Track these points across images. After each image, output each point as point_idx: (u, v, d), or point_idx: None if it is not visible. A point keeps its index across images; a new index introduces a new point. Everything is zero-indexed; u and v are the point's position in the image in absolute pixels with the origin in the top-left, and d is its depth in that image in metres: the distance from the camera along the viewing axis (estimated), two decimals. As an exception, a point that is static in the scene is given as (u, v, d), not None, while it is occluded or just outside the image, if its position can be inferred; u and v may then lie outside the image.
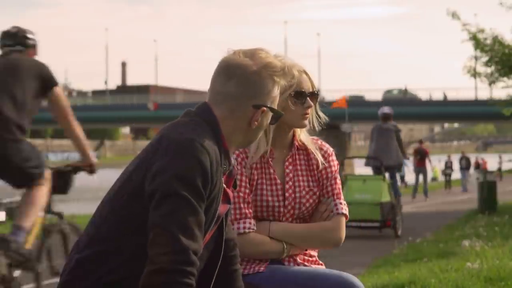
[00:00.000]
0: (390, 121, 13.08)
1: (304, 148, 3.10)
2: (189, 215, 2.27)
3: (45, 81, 5.61)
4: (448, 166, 34.00)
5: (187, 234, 2.25)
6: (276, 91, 2.52)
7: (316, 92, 3.04)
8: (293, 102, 2.99)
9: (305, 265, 3.04)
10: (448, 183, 33.14)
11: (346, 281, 2.84)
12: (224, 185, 2.47)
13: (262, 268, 2.96)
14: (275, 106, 2.53)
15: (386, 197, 12.57)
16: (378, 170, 13.03)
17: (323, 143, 3.13)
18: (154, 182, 2.30)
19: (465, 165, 33.69)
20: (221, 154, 2.41)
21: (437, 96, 68.56)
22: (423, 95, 68.62)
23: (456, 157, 37.34)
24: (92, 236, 2.42)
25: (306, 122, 3.03)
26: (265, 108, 2.49)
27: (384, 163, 12.83)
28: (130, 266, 2.33)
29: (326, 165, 3.09)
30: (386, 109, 13.43)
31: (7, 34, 5.75)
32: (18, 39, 5.74)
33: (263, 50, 2.51)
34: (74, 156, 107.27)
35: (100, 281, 2.35)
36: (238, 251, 2.70)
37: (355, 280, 2.86)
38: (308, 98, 3.01)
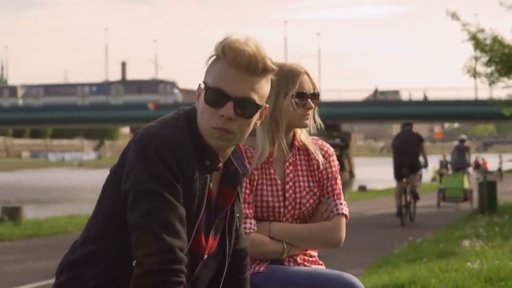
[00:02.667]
0: (465, 143, 21.37)
1: (304, 149, 3.10)
2: (167, 211, 2.25)
3: None
4: (443, 165, 32.87)
5: (170, 232, 2.23)
6: (214, 65, 2.37)
7: (317, 93, 3.04)
8: (295, 103, 3.00)
9: (305, 265, 3.05)
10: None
11: (346, 281, 2.84)
12: (211, 184, 2.42)
13: (262, 268, 2.96)
14: (216, 83, 2.33)
15: (466, 185, 20.66)
16: (458, 170, 21.21)
17: (324, 143, 3.14)
18: (127, 182, 2.29)
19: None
20: (199, 148, 2.35)
21: (438, 96, 68.52)
22: (421, 95, 68.44)
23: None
24: (85, 237, 2.43)
25: (308, 122, 3.04)
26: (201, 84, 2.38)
27: (463, 167, 21.36)
28: (120, 265, 2.33)
29: (327, 165, 3.09)
30: (463, 136, 21.87)
31: None
32: None
33: (244, 38, 2.38)
34: (74, 156, 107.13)
35: (94, 281, 2.35)
36: (248, 259, 2.69)
37: (355, 280, 2.86)
38: (309, 100, 3.02)
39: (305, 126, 3.04)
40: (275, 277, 2.92)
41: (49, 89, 79.05)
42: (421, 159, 15.70)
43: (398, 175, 15.54)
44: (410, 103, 66.05)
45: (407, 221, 15.46)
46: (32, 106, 74.57)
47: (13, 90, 79.21)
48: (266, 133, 3.00)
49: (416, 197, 15.85)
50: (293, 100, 2.99)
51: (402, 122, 16.14)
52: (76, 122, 74.61)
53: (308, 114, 3.03)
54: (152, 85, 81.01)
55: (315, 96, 3.04)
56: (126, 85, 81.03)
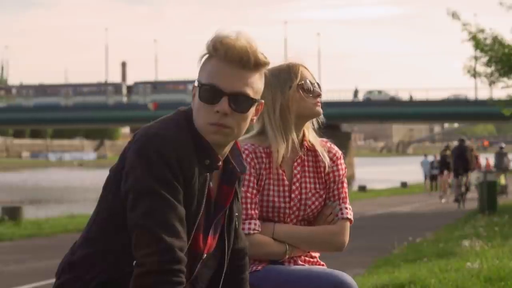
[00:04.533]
0: (503, 149, 27.73)
1: (313, 150, 3.08)
2: (167, 211, 2.24)
3: None
4: (434, 166, 31.80)
5: (170, 232, 2.23)
6: (206, 63, 2.38)
7: (317, 83, 3.06)
8: (303, 94, 3.00)
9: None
10: (432, 184, 31.22)
11: (339, 278, 2.84)
12: (211, 184, 2.41)
13: (259, 268, 2.96)
14: (209, 80, 2.34)
15: (502, 182, 26.82)
16: (498, 170, 26.71)
17: (332, 145, 3.11)
18: (127, 182, 2.29)
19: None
20: (198, 148, 2.34)
21: (439, 96, 68.47)
22: (422, 95, 68.42)
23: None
24: (84, 237, 2.43)
25: (320, 109, 3.04)
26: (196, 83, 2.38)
27: (502, 168, 27.51)
28: (121, 265, 2.33)
29: (334, 168, 3.07)
30: (503, 144, 28.10)
31: None
32: None
33: (235, 33, 2.38)
34: (74, 156, 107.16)
35: (94, 282, 2.35)
36: (248, 259, 2.69)
37: (347, 277, 2.86)
38: (315, 87, 3.03)
39: (318, 113, 3.03)
40: (270, 277, 2.92)
41: (157, 86, 75.06)
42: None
43: (456, 174, 22.67)
44: (410, 103, 65.98)
45: (461, 205, 21.96)
46: (137, 104, 72.14)
47: (118, 87, 75.86)
48: (278, 132, 3.00)
49: (468, 189, 23.12)
50: (299, 91, 3.00)
51: (459, 138, 24.23)
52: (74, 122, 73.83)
53: (318, 102, 3.03)
54: None
55: (318, 85, 3.05)
56: None
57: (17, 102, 74.89)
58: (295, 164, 3.05)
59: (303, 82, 3.01)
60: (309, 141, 3.08)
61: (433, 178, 31.67)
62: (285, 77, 3.00)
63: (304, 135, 3.07)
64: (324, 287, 2.82)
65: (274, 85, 2.98)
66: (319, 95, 3.03)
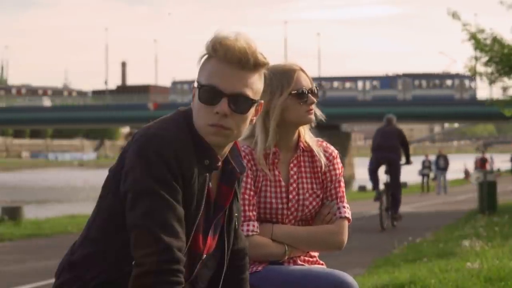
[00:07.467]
0: None
1: (309, 150, 3.08)
2: (166, 212, 2.25)
3: None
4: (426, 166, 31.67)
5: (168, 232, 2.23)
6: (206, 64, 2.38)
7: (315, 88, 3.04)
8: (295, 100, 2.99)
9: (303, 266, 3.05)
10: (425, 185, 30.66)
11: (338, 278, 2.85)
12: (210, 184, 2.42)
13: (259, 268, 2.96)
14: (209, 81, 2.34)
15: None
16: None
17: (328, 145, 3.11)
18: (126, 182, 2.29)
19: (443, 165, 30.81)
20: (198, 148, 2.35)
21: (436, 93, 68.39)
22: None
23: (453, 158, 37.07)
24: (84, 237, 2.43)
25: (312, 117, 3.03)
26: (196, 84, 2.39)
27: None
28: (120, 265, 2.33)
29: (331, 167, 3.08)
30: None
31: None
32: None
33: (234, 34, 2.39)
34: (74, 156, 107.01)
35: (94, 282, 2.35)
36: (248, 259, 2.69)
37: (347, 277, 2.86)
38: (309, 95, 3.01)
39: (310, 121, 3.03)
40: (270, 277, 2.92)
41: (325, 82, 71.47)
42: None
43: None
44: (410, 103, 65.94)
45: None
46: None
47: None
48: (261, 129, 2.99)
49: None
50: (291, 99, 2.98)
51: None
52: (77, 122, 73.92)
53: (311, 109, 3.01)
54: (441, 79, 70.98)
55: (313, 92, 3.03)
56: (415, 78, 71.27)
57: (172, 99, 73.58)
58: (291, 165, 3.05)
59: (296, 91, 2.99)
60: (305, 141, 3.07)
61: (427, 178, 31.37)
62: (277, 83, 2.98)
63: (299, 135, 3.07)
64: (324, 286, 2.82)
65: (264, 90, 2.97)
66: (312, 103, 3.01)
